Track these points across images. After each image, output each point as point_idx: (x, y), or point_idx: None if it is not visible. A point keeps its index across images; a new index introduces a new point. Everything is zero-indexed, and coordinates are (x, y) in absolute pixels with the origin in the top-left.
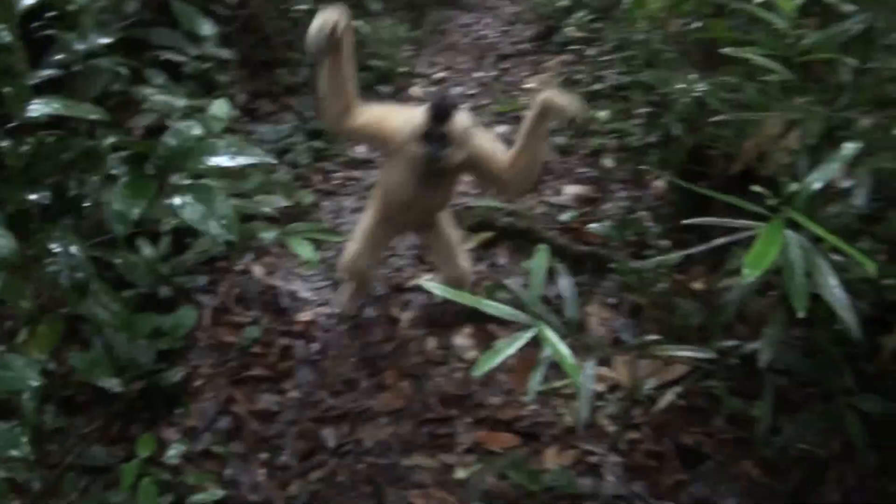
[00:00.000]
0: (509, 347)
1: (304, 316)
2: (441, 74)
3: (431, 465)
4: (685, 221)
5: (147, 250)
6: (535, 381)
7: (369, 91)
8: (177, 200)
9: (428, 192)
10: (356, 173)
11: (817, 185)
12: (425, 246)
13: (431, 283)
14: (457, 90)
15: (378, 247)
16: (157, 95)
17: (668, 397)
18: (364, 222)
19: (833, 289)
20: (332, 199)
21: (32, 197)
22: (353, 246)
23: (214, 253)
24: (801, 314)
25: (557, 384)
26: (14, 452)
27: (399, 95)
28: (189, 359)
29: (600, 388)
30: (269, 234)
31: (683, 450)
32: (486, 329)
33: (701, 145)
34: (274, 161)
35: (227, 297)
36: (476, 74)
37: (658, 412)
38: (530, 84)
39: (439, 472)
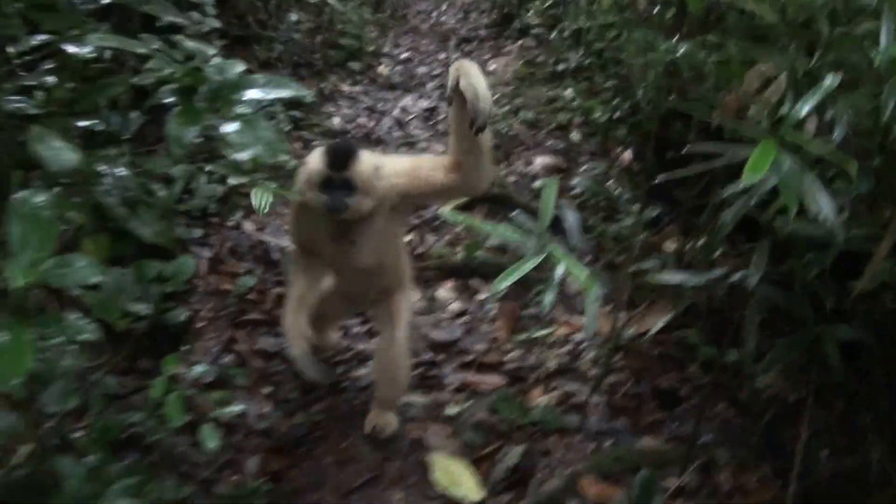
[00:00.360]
0: (525, 266)
1: None
2: (406, 55)
3: (424, 402)
4: (690, 148)
5: (162, 193)
6: (550, 299)
7: (341, 68)
8: (225, 127)
9: (352, 248)
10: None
11: (804, 111)
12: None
13: (449, 211)
14: (422, 70)
15: (326, 321)
16: (188, 42)
17: (647, 344)
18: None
19: (821, 200)
20: None
21: (81, 124)
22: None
23: (208, 208)
24: (793, 211)
25: (539, 333)
26: (86, 336)
27: (368, 73)
28: (190, 303)
29: (580, 336)
30: (239, 179)
31: (661, 393)
32: (468, 284)
33: (668, 116)
34: (306, 92)
35: (221, 250)
36: (440, 56)
37: (637, 358)
38: (493, 66)
39: (432, 408)
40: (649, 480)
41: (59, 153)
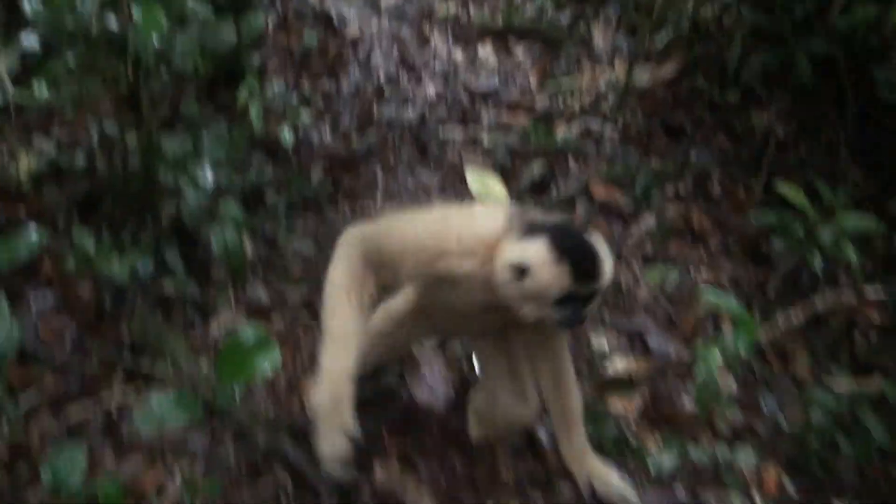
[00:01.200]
0: None
1: (353, 32)
2: None
3: (464, 134)
4: None
5: None
6: None
7: None
8: None
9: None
10: None
11: None
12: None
13: None
14: None
15: (398, 345)
16: None
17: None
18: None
19: None
20: None
21: None
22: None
23: None
24: None
25: (566, 81)
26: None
27: None
28: (261, 54)
29: (602, 84)
30: None
31: (669, 128)
32: (506, 41)
33: None
34: None
35: (287, 12)
36: None
37: (650, 102)
38: None
39: (471, 139)
40: (649, 182)
41: None
